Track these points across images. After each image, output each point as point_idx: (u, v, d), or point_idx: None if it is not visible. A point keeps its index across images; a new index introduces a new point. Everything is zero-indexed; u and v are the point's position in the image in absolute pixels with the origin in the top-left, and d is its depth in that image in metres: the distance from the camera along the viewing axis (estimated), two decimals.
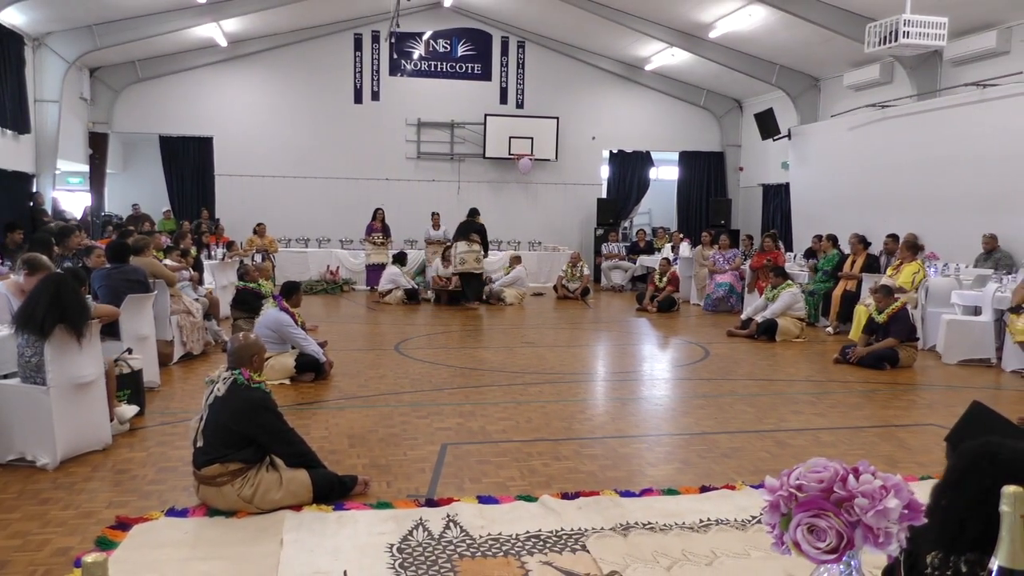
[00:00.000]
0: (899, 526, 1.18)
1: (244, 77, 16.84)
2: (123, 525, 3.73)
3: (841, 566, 1.20)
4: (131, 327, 6.33)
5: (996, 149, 10.58)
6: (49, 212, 13.00)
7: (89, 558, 1.18)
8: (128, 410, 5.41)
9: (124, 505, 4.03)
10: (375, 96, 17.31)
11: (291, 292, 7.59)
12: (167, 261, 8.92)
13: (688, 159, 18.86)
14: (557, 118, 17.50)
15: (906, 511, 1.18)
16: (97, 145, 16.11)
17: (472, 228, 12.95)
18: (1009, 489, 1.19)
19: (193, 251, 10.89)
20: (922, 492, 1.93)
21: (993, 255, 10.18)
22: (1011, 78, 10.45)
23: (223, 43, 15.59)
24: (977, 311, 8.62)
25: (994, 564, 1.20)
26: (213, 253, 12.89)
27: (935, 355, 8.66)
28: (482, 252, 12.92)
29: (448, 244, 14.26)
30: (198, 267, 10.11)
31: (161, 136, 16.79)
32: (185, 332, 7.90)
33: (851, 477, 1.20)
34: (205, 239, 13.77)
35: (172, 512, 3.90)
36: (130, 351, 5.92)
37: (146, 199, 16.76)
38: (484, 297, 13.40)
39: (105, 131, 16.18)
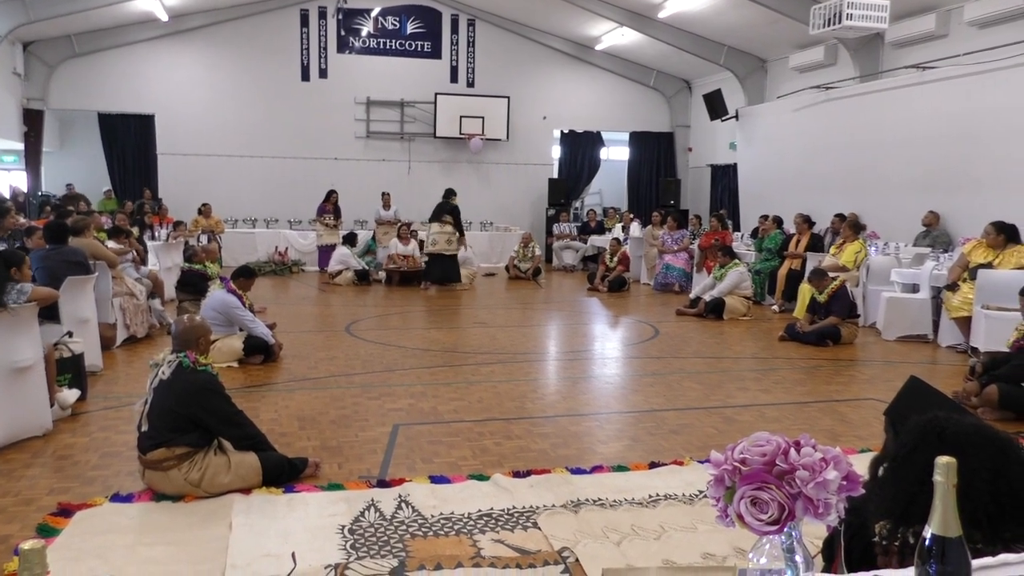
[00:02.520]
0: (838, 497, 1.21)
1: (186, 53, 16.37)
2: (65, 512, 3.64)
3: (783, 537, 1.23)
4: (71, 310, 6.15)
5: (934, 130, 10.88)
6: None
7: (26, 545, 1.15)
8: (69, 395, 5.27)
9: (66, 491, 3.93)
10: (323, 74, 17.01)
11: (241, 275, 7.43)
12: (110, 243, 8.68)
13: (638, 139, 18.98)
14: (508, 97, 17.44)
15: (844, 482, 1.22)
16: (32, 122, 15.53)
17: (444, 209, 12.88)
18: (942, 460, 1.24)
19: (136, 231, 10.62)
20: (861, 464, 1.99)
21: (931, 233, 10.50)
22: (949, 61, 10.73)
23: (164, 17, 15.12)
24: (915, 289, 8.88)
25: (928, 533, 1.25)
26: (157, 234, 12.59)
27: (875, 332, 8.91)
28: (456, 233, 12.79)
29: (401, 223, 14.21)
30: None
31: (100, 113, 16.27)
32: (128, 314, 7.72)
33: (792, 450, 1.23)
34: (148, 220, 13.43)
35: (116, 498, 3.83)
36: (71, 334, 5.76)
37: (85, 178, 16.25)
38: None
39: (40, 108, 15.60)
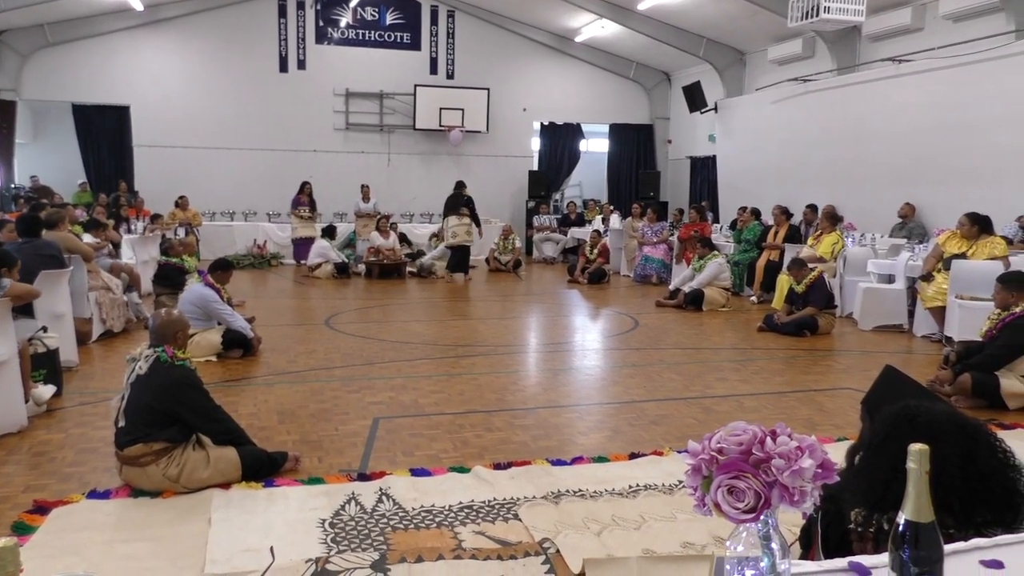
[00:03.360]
0: (813, 485, 1.22)
1: (163, 43, 16.16)
2: (41, 509, 3.61)
3: (759, 525, 1.24)
4: (46, 304, 6.06)
5: (910, 123, 10.99)
6: None
7: None
8: (45, 391, 5.21)
9: (42, 489, 3.89)
10: (301, 65, 16.86)
11: (218, 268, 7.37)
12: (87, 237, 8.58)
13: (618, 131, 19.01)
14: (488, 89, 17.38)
15: (819, 470, 1.23)
16: (4, 113, 15.26)
17: (460, 201, 12.91)
18: (915, 447, 1.25)
19: (111, 224, 10.51)
20: (838, 453, 2.02)
21: (907, 225, 10.61)
22: (924, 54, 10.83)
23: (139, 7, 14.91)
24: (891, 279, 8.98)
25: (901, 518, 1.26)
26: (133, 227, 12.46)
27: (852, 322, 9.00)
28: (473, 225, 12.87)
29: (381, 216, 14.16)
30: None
31: (74, 104, 16.03)
32: (104, 309, 7.63)
33: (768, 439, 1.24)
34: (124, 212, 13.28)
35: (93, 494, 3.79)
36: (45, 329, 5.68)
37: (60, 171, 16.02)
38: (419, 271, 13.45)
39: (12, 98, 15.33)
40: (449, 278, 12.84)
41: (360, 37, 17.11)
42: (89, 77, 15.73)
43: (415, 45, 17.40)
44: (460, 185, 13.32)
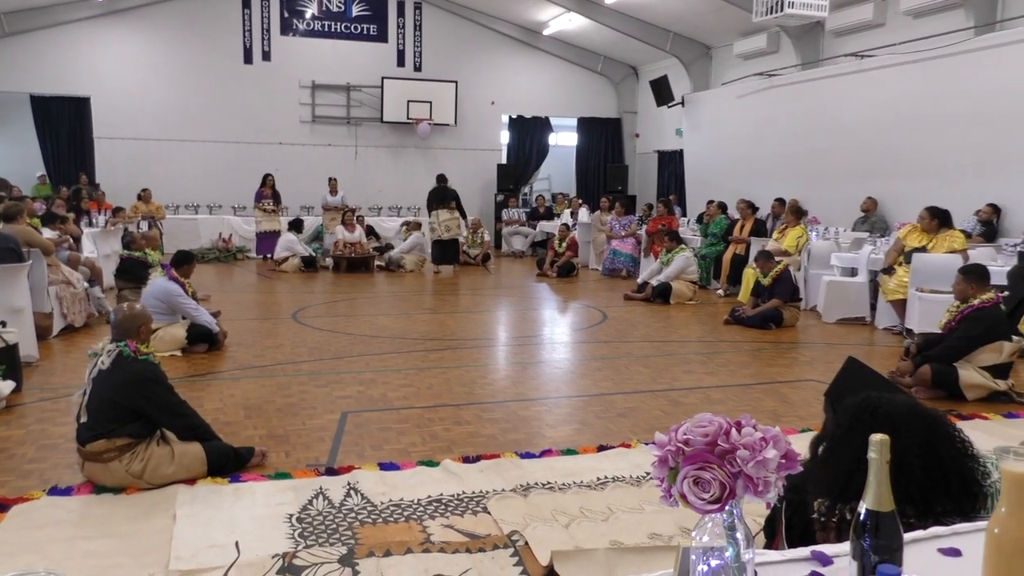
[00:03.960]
0: (776, 475, 1.24)
1: (124, 33, 15.85)
2: (1, 506, 3.53)
3: (724, 515, 1.25)
4: (4, 298, 5.96)
5: (872, 118, 11.17)
6: None
7: None
8: (4, 386, 5.10)
9: (2, 486, 3.81)
10: (266, 56, 16.65)
11: (182, 262, 7.25)
12: (46, 232, 8.40)
13: (586, 125, 19.06)
14: (456, 82, 17.32)
15: (783, 461, 1.25)
16: None
17: (448, 195, 12.89)
18: (876, 437, 1.28)
19: (72, 217, 10.31)
20: (802, 444, 2.05)
21: (869, 218, 10.78)
22: (886, 49, 11.01)
23: None
24: (854, 272, 9.12)
25: (862, 508, 1.29)
26: (95, 220, 12.23)
27: (816, 315, 9.12)
28: (460, 218, 12.92)
29: (347, 210, 14.05)
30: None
31: (32, 96, 15.65)
32: (65, 303, 7.49)
33: (734, 431, 1.25)
34: (85, 205, 13.03)
35: (55, 491, 3.72)
36: (4, 324, 5.57)
37: (18, 163, 15.64)
38: (388, 264, 13.40)
39: None
40: (437, 270, 12.87)
41: (326, 28, 16.94)
42: (48, 68, 15.39)
43: (382, 37, 17.27)
44: (443, 179, 13.32)
